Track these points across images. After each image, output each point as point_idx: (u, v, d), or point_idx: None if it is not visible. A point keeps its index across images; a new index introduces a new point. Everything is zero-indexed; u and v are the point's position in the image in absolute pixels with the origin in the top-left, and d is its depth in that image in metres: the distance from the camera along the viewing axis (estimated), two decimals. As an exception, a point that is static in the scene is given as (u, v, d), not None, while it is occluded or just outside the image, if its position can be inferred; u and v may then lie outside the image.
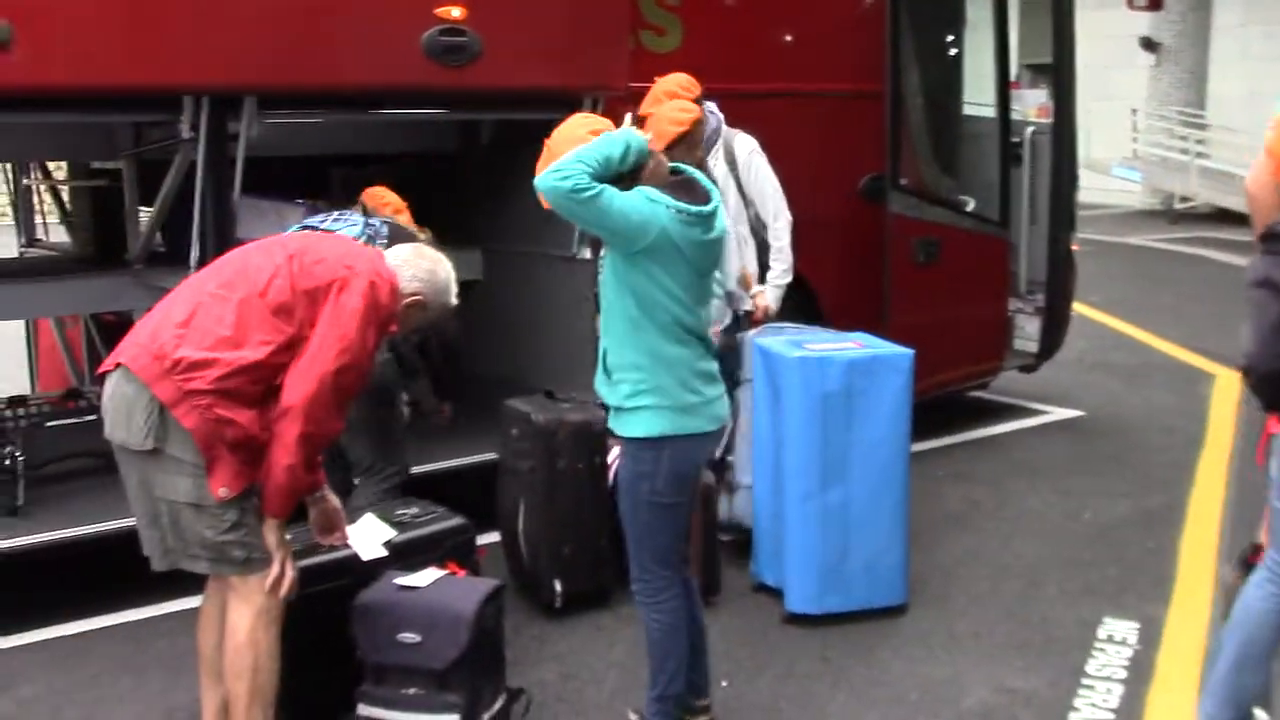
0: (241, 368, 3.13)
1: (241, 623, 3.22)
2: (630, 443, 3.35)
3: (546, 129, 5.06)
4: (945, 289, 6.48)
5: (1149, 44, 20.69)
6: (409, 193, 4.97)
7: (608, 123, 3.38)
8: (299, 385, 3.13)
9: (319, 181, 6.04)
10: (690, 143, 4.63)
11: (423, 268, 3.45)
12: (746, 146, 5.12)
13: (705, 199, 3.28)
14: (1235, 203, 18.74)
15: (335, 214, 4.50)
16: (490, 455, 4.91)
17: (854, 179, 6.23)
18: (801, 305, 5.93)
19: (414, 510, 4.01)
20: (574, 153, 3.13)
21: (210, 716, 3.40)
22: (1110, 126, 19.11)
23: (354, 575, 3.60)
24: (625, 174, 3.20)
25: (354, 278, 3.24)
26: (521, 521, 4.51)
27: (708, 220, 3.26)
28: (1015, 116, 7.10)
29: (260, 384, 3.17)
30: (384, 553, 3.75)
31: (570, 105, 5.20)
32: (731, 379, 4.61)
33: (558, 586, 4.45)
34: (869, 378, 4.34)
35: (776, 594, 4.52)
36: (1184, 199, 19.77)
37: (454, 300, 3.53)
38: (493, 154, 6.06)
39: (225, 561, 3.19)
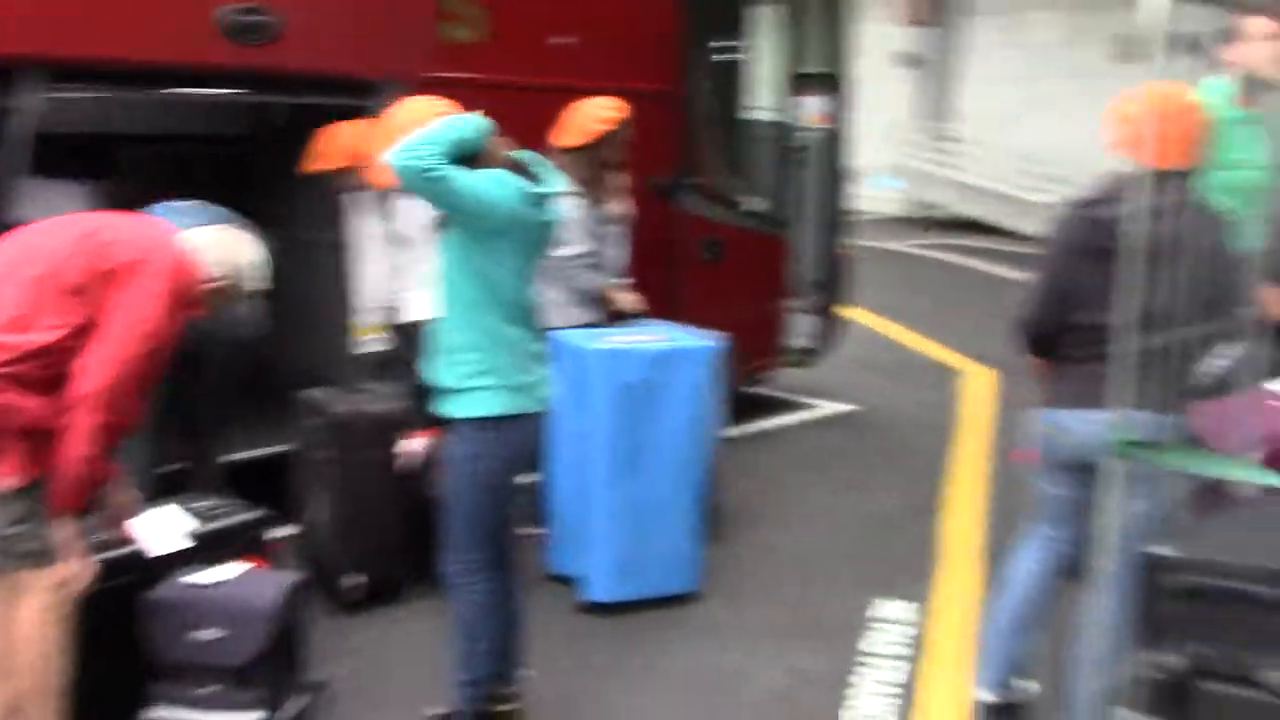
0: (30, 351, 2.97)
1: (29, 618, 3.06)
2: (465, 423, 3.38)
3: (342, 115, 5.00)
4: (729, 287, 6.69)
5: (906, 58, 21.83)
6: (199, 176, 4.80)
7: (451, 105, 3.41)
8: (97, 372, 2.99)
9: (106, 163, 5.74)
10: (614, 141, 4.85)
11: (225, 250, 3.35)
12: None
13: (543, 181, 3.38)
14: (983, 212, 20.04)
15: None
16: (286, 446, 4.80)
17: (643, 177, 6.35)
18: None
19: (210, 503, 3.88)
20: (424, 133, 3.16)
21: (-5, 718, 3.22)
22: (872, 137, 20.08)
23: (148, 570, 3.46)
24: (470, 156, 3.24)
25: (154, 258, 3.11)
26: (319, 513, 4.43)
27: (547, 201, 3.37)
28: (797, 122, 7.39)
29: (51, 369, 3.01)
30: (179, 546, 3.62)
31: (368, 93, 5.15)
32: None
33: (355, 579, 4.39)
34: (670, 370, 4.47)
35: (569, 583, 4.60)
36: (932, 206, 20.96)
37: (259, 284, 3.45)
38: (287, 138, 5.89)
39: (14, 556, 3.02)
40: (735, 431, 6.93)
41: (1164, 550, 2.70)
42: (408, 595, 4.49)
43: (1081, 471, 3.40)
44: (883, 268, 14.18)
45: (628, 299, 5.13)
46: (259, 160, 6.06)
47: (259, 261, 3.44)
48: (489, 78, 5.44)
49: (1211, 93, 3.83)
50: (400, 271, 4.88)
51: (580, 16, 6.14)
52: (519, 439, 3.45)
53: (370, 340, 4.99)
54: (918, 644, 4.30)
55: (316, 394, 4.53)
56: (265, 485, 4.44)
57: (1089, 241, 3.36)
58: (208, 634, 3.32)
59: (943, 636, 4.36)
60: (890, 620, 4.49)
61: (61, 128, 4.59)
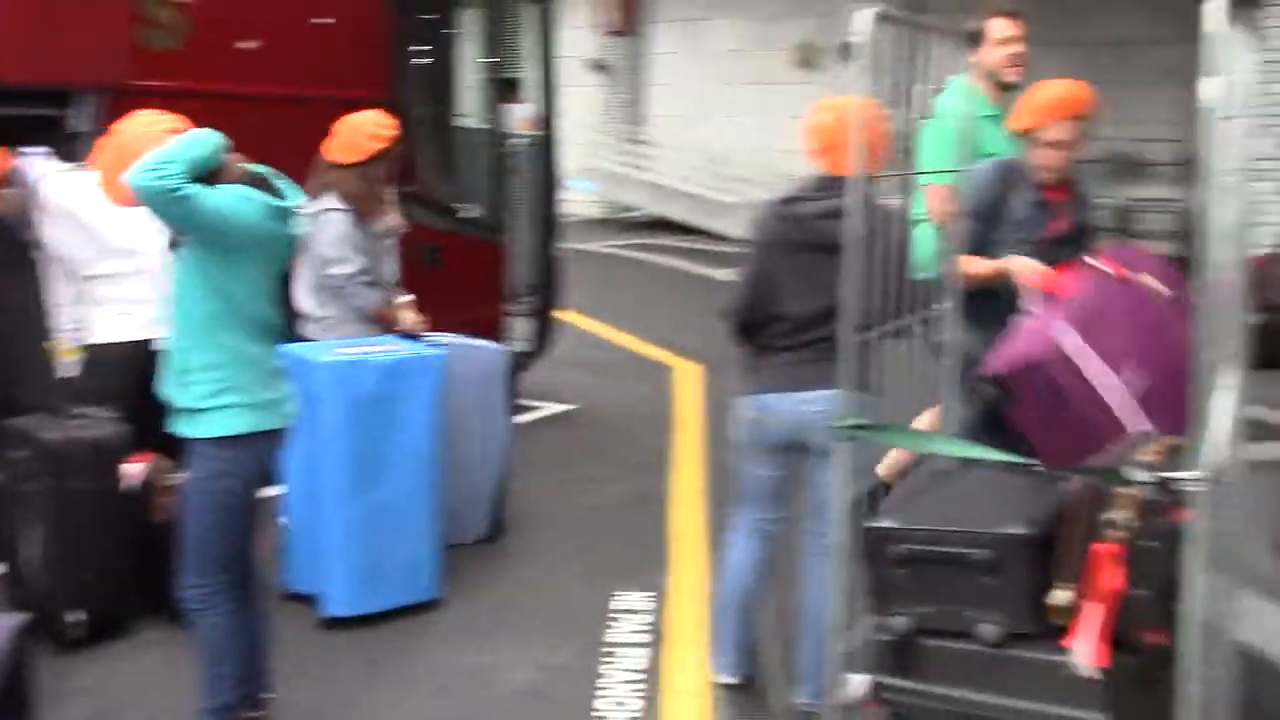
0: None
1: None
2: (206, 443, 3.30)
3: (36, 126, 4.71)
4: (449, 293, 6.69)
5: (596, 65, 22.35)
6: None
7: (180, 120, 3.30)
8: None
9: None
10: (387, 158, 4.83)
11: None
12: None
13: (283, 195, 3.33)
14: (674, 211, 20.79)
15: None
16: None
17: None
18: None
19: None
20: (164, 152, 3.07)
21: None
22: (565, 141, 20.44)
23: None
24: (207, 174, 3.16)
25: None
26: (32, 549, 4.16)
27: (291, 215, 3.33)
28: (508, 129, 7.49)
29: None
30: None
31: (61, 102, 4.89)
32: None
33: (77, 616, 4.15)
34: (402, 380, 4.46)
35: (308, 600, 4.52)
36: (628, 208, 21.57)
37: None
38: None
39: None
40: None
41: (886, 521, 2.95)
42: (134, 628, 4.29)
43: (787, 452, 3.70)
44: (585, 269, 14.46)
45: (409, 316, 5.04)
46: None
47: None
48: (193, 86, 5.27)
49: (956, 92, 4.15)
50: (88, 292, 4.67)
51: (288, 24, 6.03)
52: (261, 457, 3.39)
53: (69, 363, 4.72)
54: (658, 631, 4.48)
55: (22, 422, 4.25)
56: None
57: (787, 237, 3.66)
58: (-75, 687, 3.07)
59: (680, 622, 4.56)
60: (631, 610, 4.66)
61: None
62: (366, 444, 4.41)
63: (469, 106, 7.48)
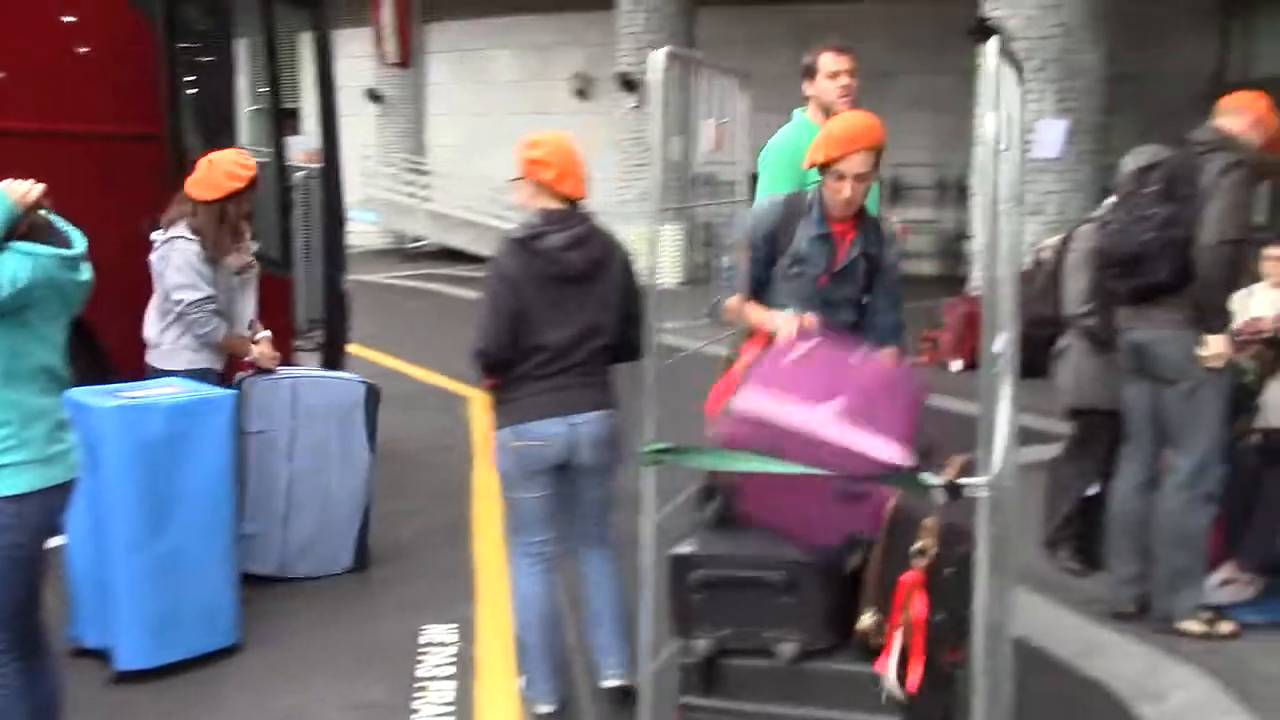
0: None
1: None
2: None
3: None
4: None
5: (374, 96, 22.12)
6: None
7: None
8: None
9: None
10: (247, 197, 4.84)
11: None
12: None
13: (70, 242, 3.20)
14: (458, 241, 20.73)
15: None
16: None
17: (135, 221, 6.07)
18: (83, 353, 5.68)
19: None
20: None
21: None
22: (347, 172, 20.13)
23: None
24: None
25: None
26: None
27: (79, 262, 3.21)
28: (288, 162, 7.35)
29: None
30: None
31: None
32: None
33: None
34: (192, 421, 4.33)
35: (99, 656, 4.32)
36: (415, 239, 21.38)
37: None
38: None
39: None
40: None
41: (685, 548, 3.06)
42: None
43: (556, 473, 3.85)
44: (372, 301, 14.28)
45: (265, 350, 5.12)
46: None
47: None
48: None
49: (796, 124, 4.36)
50: None
51: (48, 57, 5.79)
52: (48, 511, 3.25)
53: None
54: (467, 663, 4.47)
55: None
56: None
57: (535, 272, 3.78)
58: None
59: (489, 653, 4.57)
60: (439, 643, 4.63)
61: None
62: (154, 489, 4.26)
63: (247, 139, 7.32)
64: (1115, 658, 4.55)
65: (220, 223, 4.89)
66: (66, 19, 6.04)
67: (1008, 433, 2.82)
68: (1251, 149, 4.46)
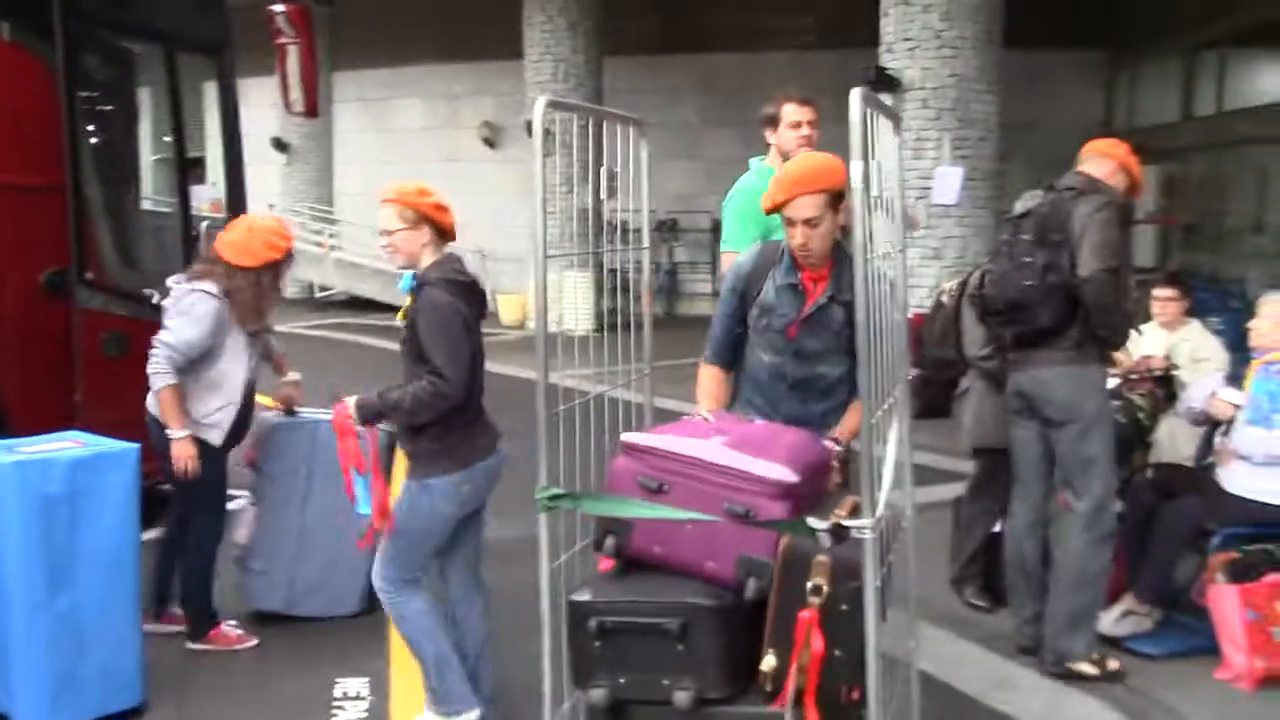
0: None
1: None
2: None
3: None
4: (137, 382, 6.40)
5: (280, 144, 21.93)
6: None
7: None
8: None
9: None
10: (282, 268, 4.99)
11: None
12: None
13: None
14: (366, 289, 20.57)
15: None
16: None
17: (35, 273, 5.97)
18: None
19: None
20: None
21: None
22: (252, 220, 19.94)
23: None
24: None
25: None
26: None
27: None
28: (194, 210, 7.28)
29: None
30: None
31: None
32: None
33: None
34: (94, 475, 4.24)
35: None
36: (323, 288, 21.16)
37: None
38: None
39: None
40: (149, 534, 6.63)
41: (582, 595, 3.04)
42: None
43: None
44: (283, 350, 14.09)
45: (291, 395, 5.36)
46: None
47: None
48: None
49: (755, 172, 4.42)
50: None
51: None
52: None
53: None
54: (380, 715, 4.42)
55: None
56: None
57: (472, 311, 3.93)
58: None
59: (402, 705, 4.52)
60: (351, 696, 4.58)
61: None
62: (55, 546, 4.15)
63: (151, 188, 7.24)
64: (1023, 691, 4.64)
65: (256, 289, 4.86)
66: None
67: (898, 473, 2.89)
68: (1117, 193, 4.60)
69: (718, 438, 3.06)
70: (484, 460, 3.96)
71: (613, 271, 14.74)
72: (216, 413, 4.90)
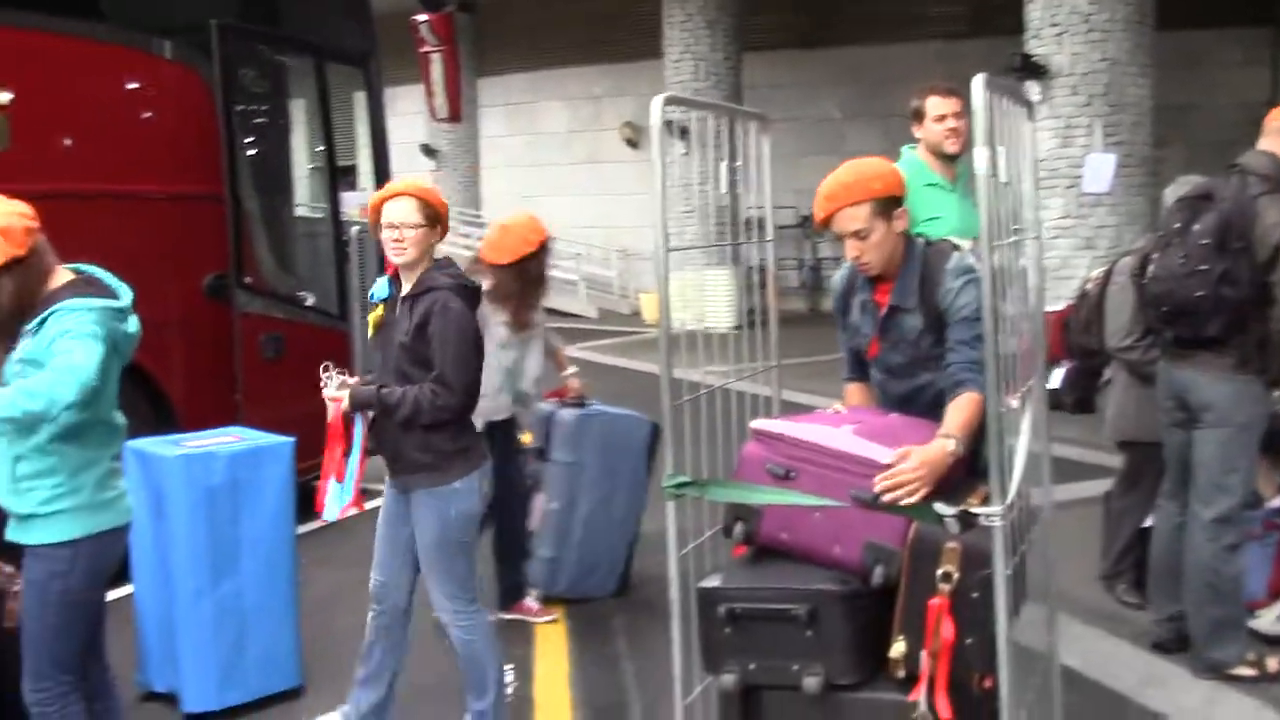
0: None
1: None
2: (43, 548, 3.28)
3: None
4: (293, 382, 6.69)
5: (429, 151, 22.50)
6: None
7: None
8: None
9: None
10: (540, 261, 5.14)
11: None
12: None
13: (117, 295, 3.33)
14: (515, 292, 20.94)
15: None
16: None
17: (198, 278, 6.30)
18: (149, 405, 5.87)
19: None
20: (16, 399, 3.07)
21: None
22: (403, 225, 20.51)
23: None
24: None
25: None
26: None
27: (129, 312, 3.35)
28: (344, 216, 7.56)
29: None
30: None
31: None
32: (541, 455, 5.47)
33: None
34: (252, 469, 4.46)
35: (167, 699, 4.44)
36: (471, 290, 21.65)
37: None
38: None
39: None
40: (305, 528, 6.91)
41: (712, 582, 3.08)
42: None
43: None
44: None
45: (574, 384, 5.53)
46: None
47: None
48: (22, 187, 5.22)
49: (904, 162, 4.37)
50: None
51: (115, 121, 6.03)
52: (100, 556, 3.38)
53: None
54: (524, 701, 4.56)
55: None
56: None
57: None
58: None
59: (544, 690, 4.66)
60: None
61: None
62: (218, 535, 4.38)
63: (304, 196, 7.54)
64: (1176, 689, 4.51)
65: (517, 285, 5.04)
66: (131, 86, 6.28)
67: (1034, 466, 2.85)
68: None
69: (848, 426, 3.07)
70: (486, 460, 3.97)
71: (751, 268, 14.66)
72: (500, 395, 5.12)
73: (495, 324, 4.99)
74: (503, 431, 5.15)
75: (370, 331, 4.02)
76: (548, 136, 22.89)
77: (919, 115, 4.51)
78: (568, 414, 5.51)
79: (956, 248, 3.37)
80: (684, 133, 17.43)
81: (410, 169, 21.62)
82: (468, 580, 3.97)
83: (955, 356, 3.20)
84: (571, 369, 5.62)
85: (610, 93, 21.80)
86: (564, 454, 5.48)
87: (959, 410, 3.07)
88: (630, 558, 5.70)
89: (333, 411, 3.88)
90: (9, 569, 4.25)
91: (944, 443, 2.93)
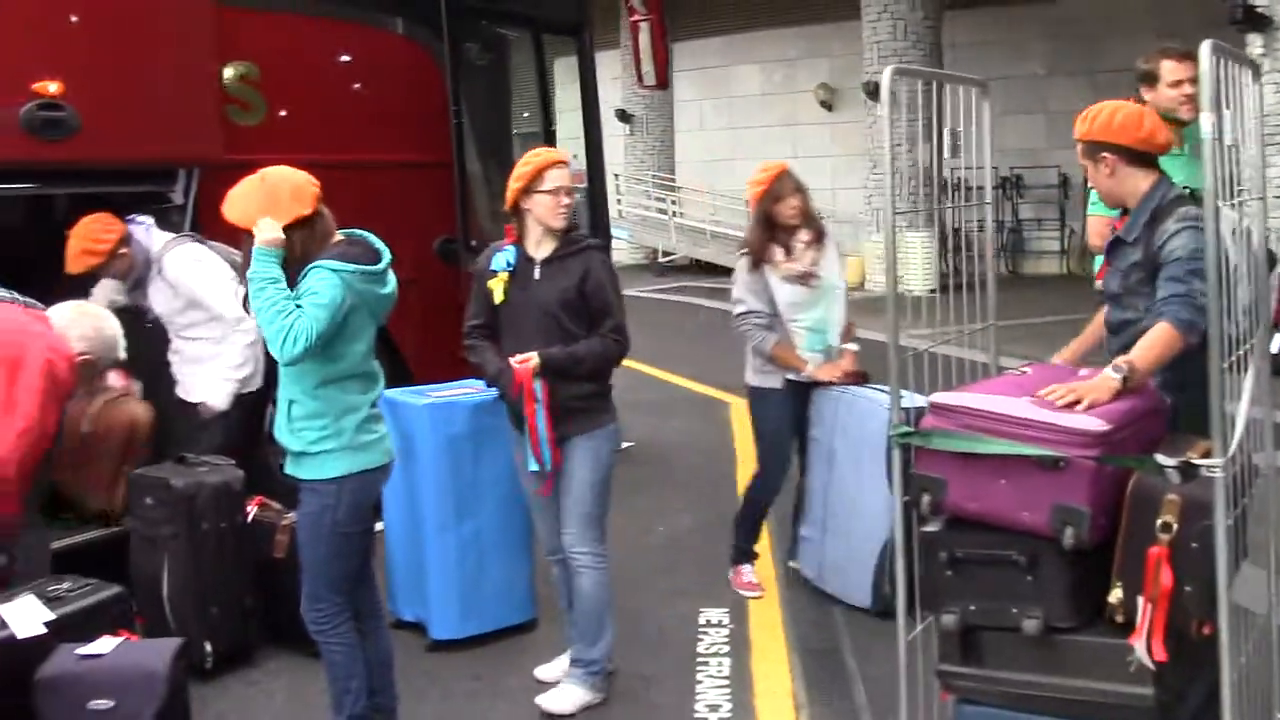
0: None
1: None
2: (314, 482, 3.68)
3: (141, 202, 5.14)
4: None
5: (624, 116, 22.88)
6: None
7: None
8: None
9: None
10: (779, 198, 5.14)
11: (88, 325, 3.54)
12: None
13: (378, 257, 3.67)
14: (706, 254, 21.19)
15: None
16: (112, 529, 4.88)
17: (429, 242, 6.73)
18: (386, 360, 6.31)
19: (67, 585, 3.96)
20: (268, 309, 3.48)
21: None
22: (600, 189, 20.97)
23: (34, 649, 3.56)
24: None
25: (29, 354, 3.26)
26: (165, 587, 4.52)
27: (383, 276, 3.70)
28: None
29: None
30: (42, 630, 3.70)
31: (167, 177, 5.32)
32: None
33: (207, 647, 4.52)
34: (491, 418, 4.79)
35: (415, 628, 4.87)
36: (666, 253, 21.99)
37: (122, 354, 3.64)
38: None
39: None
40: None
41: (934, 526, 3.25)
42: (260, 657, 4.66)
43: None
44: (629, 314, 14.87)
45: (846, 367, 5.15)
46: (40, 249, 6.04)
47: (119, 333, 3.63)
48: (275, 159, 5.70)
49: None
50: (186, 350, 5.15)
51: (359, 96, 6.49)
52: (362, 492, 3.75)
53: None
54: (741, 642, 4.81)
55: (151, 470, 4.65)
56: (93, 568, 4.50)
57: None
58: (103, 704, 3.45)
59: (760, 633, 4.90)
60: (714, 624, 4.99)
61: None
62: (461, 478, 4.76)
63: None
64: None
65: (760, 229, 5.18)
66: (369, 62, 6.73)
67: (1255, 430, 2.90)
68: None
69: (1027, 396, 3.16)
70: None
71: (955, 231, 14.56)
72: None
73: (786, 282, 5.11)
74: (796, 392, 5.16)
75: (499, 297, 4.24)
76: (741, 100, 22.97)
77: (1150, 79, 4.45)
78: (819, 390, 5.20)
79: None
80: (879, 95, 17.37)
81: (605, 133, 22.09)
82: (604, 522, 4.31)
83: (1160, 292, 3.36)
84: (850, 344, 5.26)
85: (805, 55, 21.72)
86: (815, 430, 5.27)
87: (1146, 339, 3.26)
88: (881, 568, 4.90)
89: (519, 376, 4.13)
90: (277, 506, 4.74)
91: (1108, 373, 3.13)
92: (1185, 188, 3.75)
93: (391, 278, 3.77)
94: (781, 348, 5.14)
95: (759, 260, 5.16)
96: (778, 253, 5.15)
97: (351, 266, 3.59)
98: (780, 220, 5.16)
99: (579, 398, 4.18)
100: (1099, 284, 3.89)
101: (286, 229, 3.59)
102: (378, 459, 3.77)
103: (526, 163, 4.26)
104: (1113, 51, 16.05)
